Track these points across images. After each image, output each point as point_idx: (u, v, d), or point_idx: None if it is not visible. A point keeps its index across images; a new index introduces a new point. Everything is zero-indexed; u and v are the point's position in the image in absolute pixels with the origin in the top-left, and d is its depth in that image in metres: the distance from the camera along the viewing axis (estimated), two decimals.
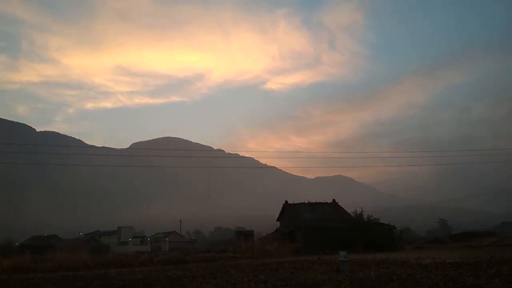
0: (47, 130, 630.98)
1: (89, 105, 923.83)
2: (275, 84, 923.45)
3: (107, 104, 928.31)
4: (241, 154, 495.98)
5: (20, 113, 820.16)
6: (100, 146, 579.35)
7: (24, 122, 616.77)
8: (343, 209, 44.57)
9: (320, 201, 46.32)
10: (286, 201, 46.68)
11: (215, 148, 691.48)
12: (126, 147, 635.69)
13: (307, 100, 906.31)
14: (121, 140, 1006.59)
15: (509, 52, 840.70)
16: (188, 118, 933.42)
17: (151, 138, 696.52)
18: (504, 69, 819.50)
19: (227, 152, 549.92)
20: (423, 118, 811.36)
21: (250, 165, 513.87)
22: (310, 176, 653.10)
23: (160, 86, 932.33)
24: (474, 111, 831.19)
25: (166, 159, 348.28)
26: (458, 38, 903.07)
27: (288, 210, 44.91)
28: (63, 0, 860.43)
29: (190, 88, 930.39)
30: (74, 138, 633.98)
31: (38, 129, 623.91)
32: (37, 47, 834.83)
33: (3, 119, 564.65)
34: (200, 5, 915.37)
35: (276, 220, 49.24)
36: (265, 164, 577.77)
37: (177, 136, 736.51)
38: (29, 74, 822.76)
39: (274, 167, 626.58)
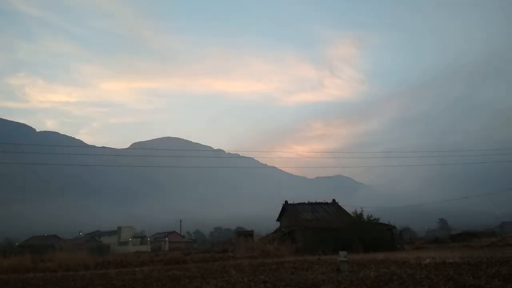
0: (47, 130, 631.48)
1: (112, 120, 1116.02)
2: (281, 102, 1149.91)
3: (130, 119, 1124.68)
4: (241, 155, 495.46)
5: (48, 126, 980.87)
6: (100, 146, 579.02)
7: (24, 122, 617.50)
8: (343, 209, 44.53)
9: (320, 201, 46.31)
10: (286, 201, 46.67)
11: (215, 148, 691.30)
12: (126, 147, 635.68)
13: (309, 115, 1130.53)
14: (122, 140, 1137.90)
15: (483, 77, 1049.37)
16: (203, 127, 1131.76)
17: (151, 138, 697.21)
18: (479, 90, 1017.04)
19: (227, 152, 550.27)
20: (411, 129, 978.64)
21: (250, 165, 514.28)
22: (310, 176, 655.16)
23: (181, 104, 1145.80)
24: (453, 124, 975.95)
25: (166, 159, 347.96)
26: (439, 65, 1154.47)
27: (288, 210, 44.88)
28: (105, 37, 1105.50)
29: (208, 105, 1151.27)
30: (74, 138, 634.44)
31: (38, 129, 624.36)
32: (79, 75, 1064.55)
33: (3, 119, 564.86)
34: (224, 46, 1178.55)
35: (276, 220, 49.20)
36: (265, 164, 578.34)
37: (177, 136, 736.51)
38: (63, 95, 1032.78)
39: (274, 167, 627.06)
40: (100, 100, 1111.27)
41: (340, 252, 14.82)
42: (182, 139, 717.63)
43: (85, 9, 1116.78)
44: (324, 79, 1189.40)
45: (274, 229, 46.70)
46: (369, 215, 36.57)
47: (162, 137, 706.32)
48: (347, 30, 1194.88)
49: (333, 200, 46.66)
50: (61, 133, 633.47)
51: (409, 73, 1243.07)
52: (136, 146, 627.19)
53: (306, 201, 46.64)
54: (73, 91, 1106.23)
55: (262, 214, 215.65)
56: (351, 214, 38.83)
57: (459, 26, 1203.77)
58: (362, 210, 36.86)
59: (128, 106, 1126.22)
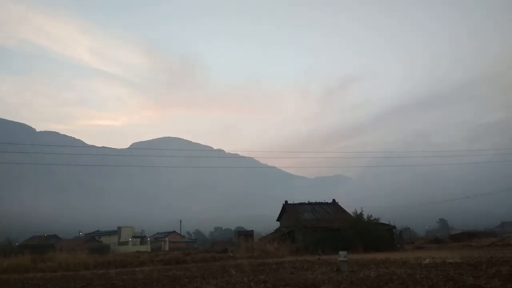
0: (47, 130, 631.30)
1: (142, 137, 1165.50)
2: (288, 125, 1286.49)
3: (157, 135, 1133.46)
4: (241, 154, 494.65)
5: (92, 142, 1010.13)
6: (100, 146, 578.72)
7: (24, 122, 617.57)
8: (343, 209, 44.54)
9: (320, 201, 46.33)
10: (286, 201, 46.71)
11: (215, 148, 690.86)
12: (126, 147, 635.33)
13: (308, 136, 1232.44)
14: (121, 140, 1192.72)
15: (467, 99, 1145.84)
16: (218, 135, 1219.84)
17: (151, 138, 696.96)
18: (463, 109, 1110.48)
19: (227, 152, 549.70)
20: (397, 141, 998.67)
21: (250, 165, 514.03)
22: (310, 176, 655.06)
23: (199, 124, 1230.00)
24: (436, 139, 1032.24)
25: (166, 159, 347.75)
26: (420, 90, 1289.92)
27: (288, 210, 44.93)
28: (149, 79, 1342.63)
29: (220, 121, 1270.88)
30: (74, 138, 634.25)
31: (38, 129, 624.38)
32: (124, 104, 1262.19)
33: (3, 119, 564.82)
34: (246, 91, 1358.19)
35: (276, 220, 49.24)
36: (265, 164, 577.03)
37: (177, 136, 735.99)
38: (108, 120, 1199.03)
39: (274, 167, 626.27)
40: (136, 122, 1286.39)
41: (340, 252, 14.80)
42: (182, 139, 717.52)
43: (134, 60, 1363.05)
44: (323, 109, 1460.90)
45: (274, 229, 46.74)
46: (369, 215, 36.50)
47: (162, 137, 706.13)
48: (341, 71, 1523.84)
49: (333, 200, 46.69)
50: (61, 133, 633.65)
51: (393, 98, 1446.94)
52: (136, 146, 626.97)
53: (306, 201, 46.68)
54: (117, 116, 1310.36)
55: (262, 214, 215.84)
56: (351, 214, 38.79)
57: (432, 67, 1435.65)
58: (362, 210, 36.80)
59: (160, 127, 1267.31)
